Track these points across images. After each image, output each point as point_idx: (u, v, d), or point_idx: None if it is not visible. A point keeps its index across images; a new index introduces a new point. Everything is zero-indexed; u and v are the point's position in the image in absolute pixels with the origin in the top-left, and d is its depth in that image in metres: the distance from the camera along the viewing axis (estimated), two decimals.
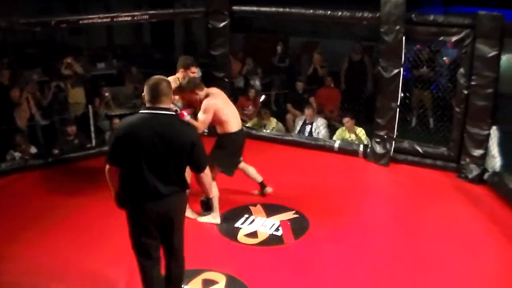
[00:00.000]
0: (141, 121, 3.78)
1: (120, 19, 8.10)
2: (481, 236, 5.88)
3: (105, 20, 8.03)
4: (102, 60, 11.47)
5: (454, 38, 7.24)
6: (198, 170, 3.95)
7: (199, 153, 3.87)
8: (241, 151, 6.19)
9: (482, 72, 7.02)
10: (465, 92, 7.24)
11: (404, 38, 7.49)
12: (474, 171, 7.29)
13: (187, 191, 4.04)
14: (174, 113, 4.04)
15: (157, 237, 3.90)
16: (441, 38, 7.47)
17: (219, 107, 5.73)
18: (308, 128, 9.04)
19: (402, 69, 7.65)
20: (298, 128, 9.22)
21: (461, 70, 7.28)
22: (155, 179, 3.73)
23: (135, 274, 4.10)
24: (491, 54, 6.90)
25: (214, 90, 5.93)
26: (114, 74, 11.66)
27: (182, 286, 4.47)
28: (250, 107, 9.96)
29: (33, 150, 8.15)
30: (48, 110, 9.29)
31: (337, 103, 10.05)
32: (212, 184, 4.45)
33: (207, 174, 4.00)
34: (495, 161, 7.26)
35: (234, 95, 9.54)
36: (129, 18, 8.14)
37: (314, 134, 8.93)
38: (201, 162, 3.93)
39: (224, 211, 6.18)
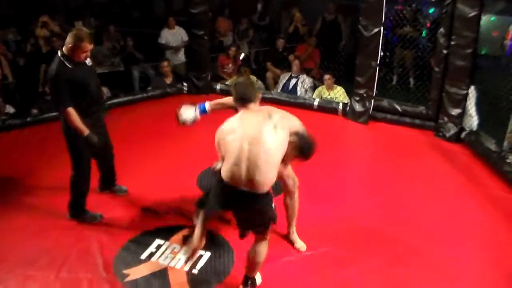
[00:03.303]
0: None
1: None
2: (457, 193, 5.99)
3: None
4: (79, 19, 11.26)
5: None
6: None
7: None
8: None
9: (461, 32, 7.05)
10: (445, 52, 7.28)
11: None
12: (452, 130, 7.39)
13: None
14: None
15: None
16: None
17: (220, 138, 3.85)
18: (293, 82, 9.04)
19: (382, 28, 7.65)
20: (281, 84, 9.21)
21: (441, 29, 7.30)
22: None
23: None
24: (471, 14, 6.92)
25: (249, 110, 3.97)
26: (92, 33, 11.46)
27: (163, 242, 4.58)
28: (230, 65, 9.92)
29: (11, 110, 8.04)
30: (25, 70, 9.14)
31: (317, 62, 10.06)
32: None
33: None
34: (472, 120, 7.36)
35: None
36: None
37: (298, 89, 8.94)
38: None
39: (204, 167, 6.21)
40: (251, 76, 9.24)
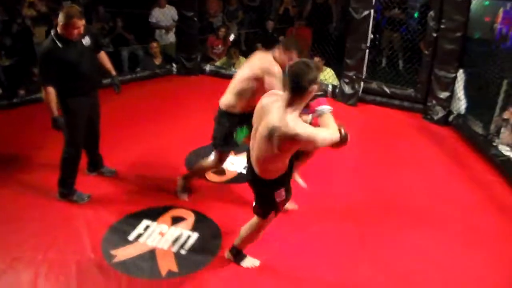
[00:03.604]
0: None
1: None
2: (444, 175, 6.05)
3: None
4: None
5: None
6: None
7: None
8: None
9: (451, 15, 7.06)
10: (434, 35, 7.29)
11: None
12: (440, 112, 7.43)
13: None
14: None
15: None
16: None
17: None
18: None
19: (372, 10, 7.64)
20: None
21: (431, 13, 7.32)
22: None
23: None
24: None
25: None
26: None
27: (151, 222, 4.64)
28: (220, 46, 9.88)
29: None
30: (12, 50, 9.06)
31: (307, 43, 10.02)
32: None
33: None
34: (460, 104, 7.41)
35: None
36: None
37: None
38: None
39: (192, 149, 6.25)
40: (240, 57, 9.22)
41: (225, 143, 4.80)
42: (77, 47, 4.75)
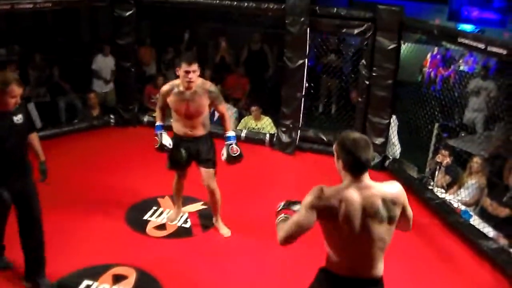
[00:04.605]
0: None
1: (21, 6, 7.72)
2: None
3: (5, 7, 7.62)
4: (2, 46, 10.94)
5: (356, 31, 7.50)
6: None
7: None
8: None
9: (382, 63, 7.32)
10: (367, 82, 7.53)
11: (308, 29, 7.69)
12: (376, 158, 7.61)
13: None
14: None
15: None
16: (344, 30, 7.69)
17: None
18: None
19: (306, 59, 7.85)
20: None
21: (363, 61, 7.57)
22: None
23: None
24: (390, 47, 7.22)
25: None
26: (16, 60, 11.15)
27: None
28: (158, 95, 9.83)
29: None
30: None
31: (245, 91, 10.15)
32: None
33: None
34: (395, 149, 7.63)
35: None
36: (31, 6, 7.77)
37: None
38: None
39: (131, 203, 6.18)
40: None
41: None
42: (5, 122, 4.08)
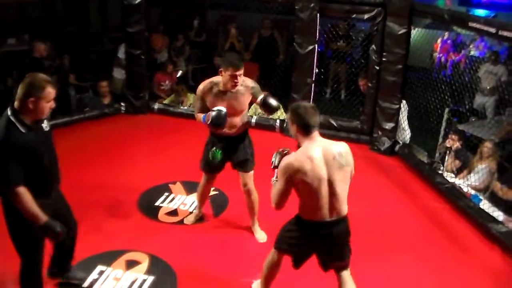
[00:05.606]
0: None
1: None
2: (393, 204, 6.26)
3: None
4: (13, 35, 10.97)
5: (366, 16, 7.48)
6: None
7: None
8: None
9: (392, 48, 7.31)
10: (377, 67, 7.52)
11: (318, 15, 7.68)
12: (386, 143, 7.63)
13: None
14: None
15: None
16: (354, 15, 7.67)
17: None
18: None
19: (316, 45, 7.84)
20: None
21: (373, 46, 7.56)
22: None
23: None
24: (400, 32, 7.20)
25: None
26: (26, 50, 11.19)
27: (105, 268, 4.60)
28: (167, 82, 9.87)
29: None
30: None
31: (255, 77, 10.13)
32: None
33: None
34: (405, 134, 7.63)
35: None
36: None
37: None
38: None
39: (143, 190, 6.23)
40: (188, 94, 9.26)
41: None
42: (39, 132, 3.63)
